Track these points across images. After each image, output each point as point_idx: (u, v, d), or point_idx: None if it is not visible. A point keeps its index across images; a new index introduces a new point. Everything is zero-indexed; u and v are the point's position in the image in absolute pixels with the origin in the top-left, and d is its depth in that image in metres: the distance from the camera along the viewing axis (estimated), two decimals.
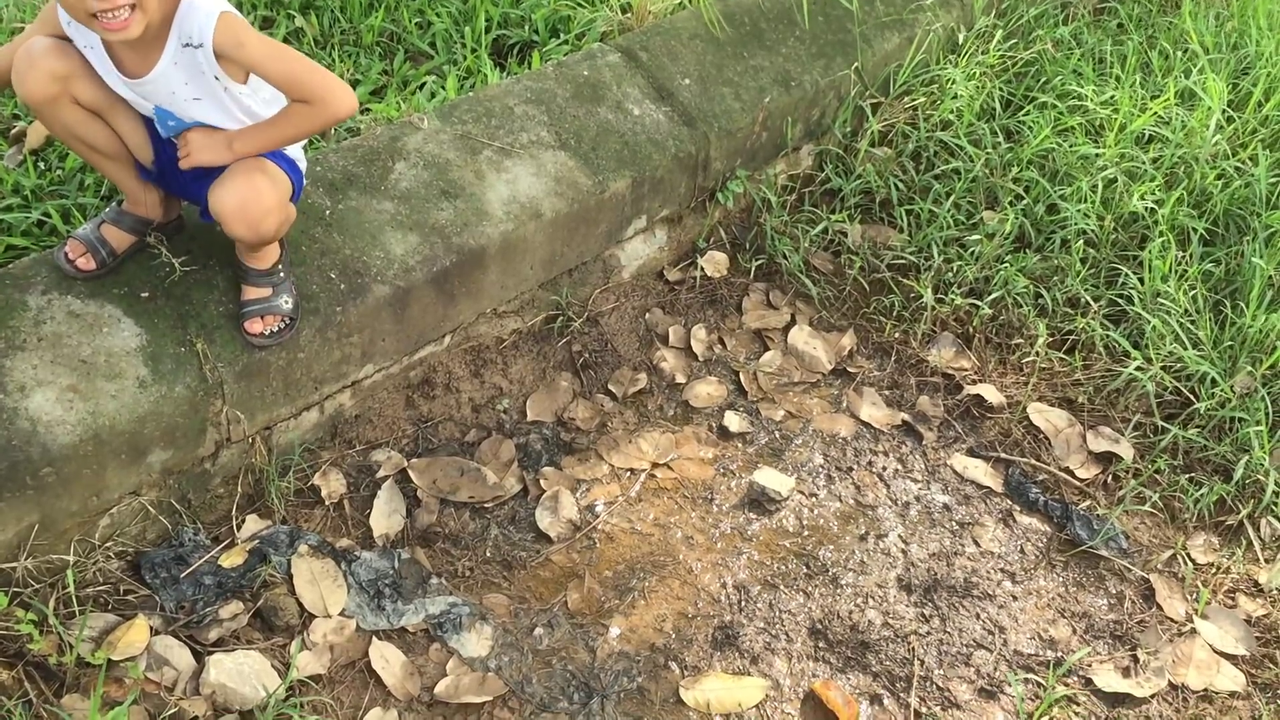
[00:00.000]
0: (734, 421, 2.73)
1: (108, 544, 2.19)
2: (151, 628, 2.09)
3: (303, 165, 2.25)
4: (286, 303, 2.25)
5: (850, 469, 2.65)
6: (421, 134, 2.76)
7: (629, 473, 2.59)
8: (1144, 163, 3.15)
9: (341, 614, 2.21)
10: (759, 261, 3.14)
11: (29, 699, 1.93)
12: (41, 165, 2.68)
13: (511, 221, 2.65)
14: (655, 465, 2.61)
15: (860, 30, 3.37)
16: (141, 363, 2.16)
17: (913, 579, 2.42)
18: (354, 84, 3.11)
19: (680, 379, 2.83)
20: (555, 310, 2.87)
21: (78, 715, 1.91)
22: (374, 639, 2.18)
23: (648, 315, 2.97)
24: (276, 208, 2.07)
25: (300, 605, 2.20)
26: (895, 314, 3.01)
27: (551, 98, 2.96)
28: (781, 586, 2.38)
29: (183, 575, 2.19)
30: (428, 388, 2.64)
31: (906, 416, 2.79)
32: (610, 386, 2.78)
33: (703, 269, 3.09)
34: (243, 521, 2.32)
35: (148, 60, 1.95)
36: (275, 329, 2.23)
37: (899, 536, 2.51)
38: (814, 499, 2.58)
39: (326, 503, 2.40)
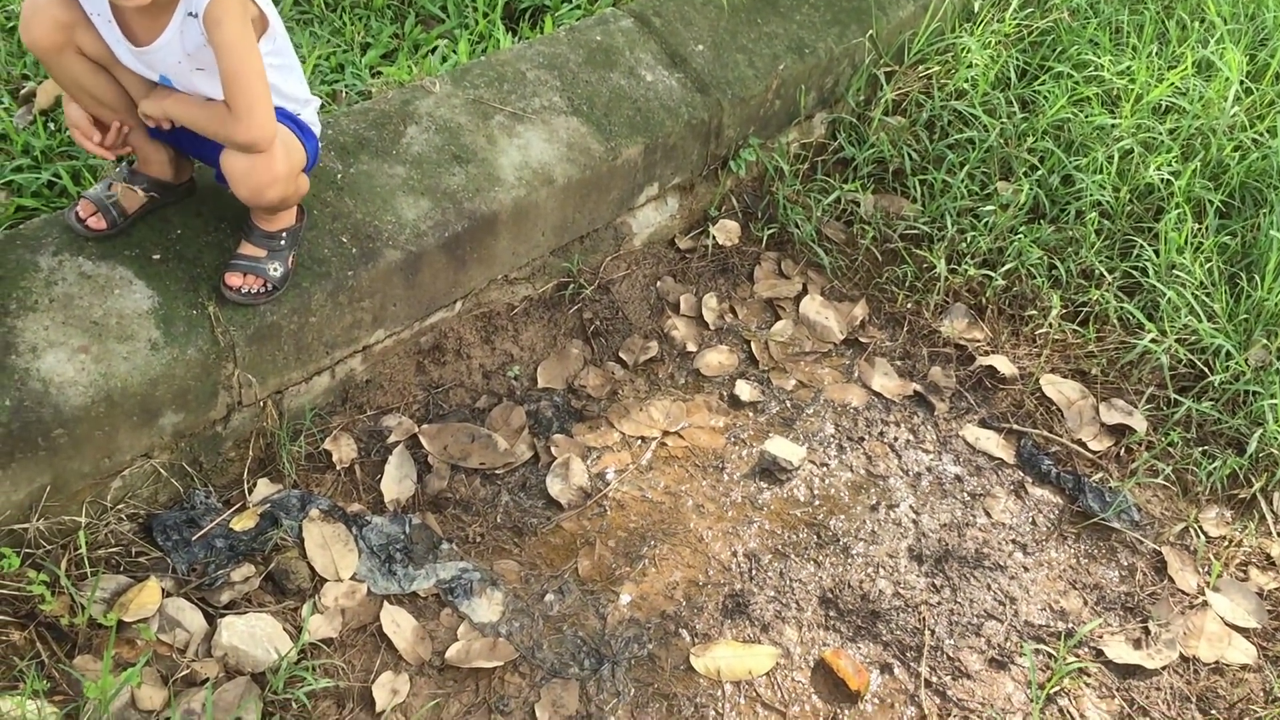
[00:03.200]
0: (745, 390, 2.72)
1: (119, 506, 2.18)
2: (163, 590, 2.09)
3: (317, 131, 2.23)
4: (275, 270, 2.23)
5: (862, 439, 2.65)
6: (433, 98, 2.73)
7: (640, 440, 2.58)
8: (1161, 134, 3.12)
9: (353, 578, 2.21)
10: (771, 230, 3.11)
11: (41, 660, 1.93)
12: (51, 126, 2.66)
13: (523, 187, 2.63)
14: (666, 433, 2.60)
15: None
16: (153, 325, 2.15)
17: (924, 549, 2.42)
18: (365, 47, 3.08)
19: (691, 347, 2.82)
20: (566, 277, 2.86)
21: (90, 676, 1.91)
22: (385, 603, 2.18)
23: (659, 283, 2.96)
24: (285, 177, 2.05)
25: (311, 569, 2.20)
26: (908, 284, 3.00)
27: (564, 63, 2.93)
28: (792, 555, 2.38)
29: (194, 538, 2.19)
30: (439, 354, 2.63)
31: (918, 387, 2.78)
32: (621, 354, 2.77)
33: (714, 237, 3.07)
34: (254, 485, 2.32)
35: (155, 28, 1.93)
36: (253, 289, 2.21)
37: (910, 507, 2.51)
38: (825, 468, 2.57)
39: (337, 467, 2.39)
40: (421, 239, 2.46)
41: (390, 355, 2.58)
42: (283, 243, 2.25)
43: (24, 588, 1.97)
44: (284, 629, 2.08)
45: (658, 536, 2.38)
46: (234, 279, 2.21)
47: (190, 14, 1.89)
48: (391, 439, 2.47)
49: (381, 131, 2.63)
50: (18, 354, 2.03)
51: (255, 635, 2.04)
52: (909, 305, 2.96)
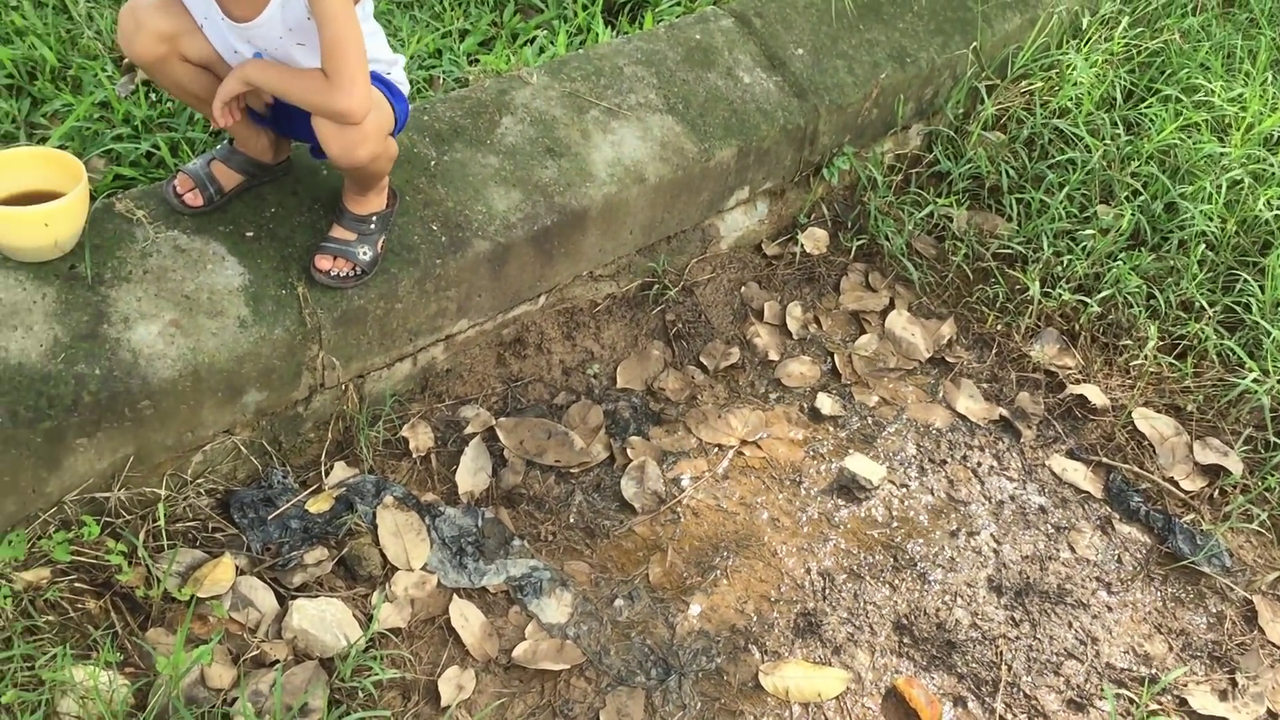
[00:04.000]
0: (826, 404, 2.67)
1: (199, 480, 2.19)
2: (237, 567, 2.09)
3: (406, 91, 2.20)
4: (365, 254, 2.22)
5: (944, 462, 2.58)
6: (529, 89, 2.71)
7: (717, 448, 2.54)
8: (1272, 165, 3.01)
9: (423, 569, 2.19)
10: (860, 241, 3.06)
11: (115, 630, 1.93)
12: (152, 96, 2.68)
13: (615, 184, 2.60)
14: (744, 443, 2.56)
15: (982, 8, 3.26)
16: (243, 302, 2.15)
17: (1004, 580, 2.36)
18: (463, 34, 3.07)
19: (773, 356, 2.77)
20: (651, 277, 2.82)
21: (161, 649, 1.92)
22: (454, 596, 2.16)
23: (743, 289, 2.91)
24: (374, 135, 2.01)
25: (383, 556, 2.19)
26: (998, 305, 2.92)
27: (662, 60, 2.89)
28: (867, 577, 2.32)
29: (270, 517, 2.19)
30: (519, 347, 2.61)
31: (1005, 412, 2.71)
32: (702, 359, 2.73)
33: (802, 245, 3.02)
34: (331, 468, 2.31)
35: (257, 3, 1.92)
36: (341, 273, 2.20)
37: (991, 535, 2.44)
38: (905, 490, 2.51)
39: (414, 455, 2.38)
40: (511, 231, 2.44)
41: (472, 345, 2.57)
42: (372, 227, 2.24)
43: (102, 556, 1.98)
44: (353, 615, 2.07)
45: (731, 548, 2.34)
46: (323, 261, 2.20)
47: None
48: (468, 430, 2.45)
49: (476, 120, 2.61)
50: (110, 323, 2.04)
51: (325, 620, 2.04)
52: (999, 327, 2.89)
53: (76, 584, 1.95)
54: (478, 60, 2.93)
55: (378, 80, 2.08)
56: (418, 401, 2.48)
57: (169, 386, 2.03)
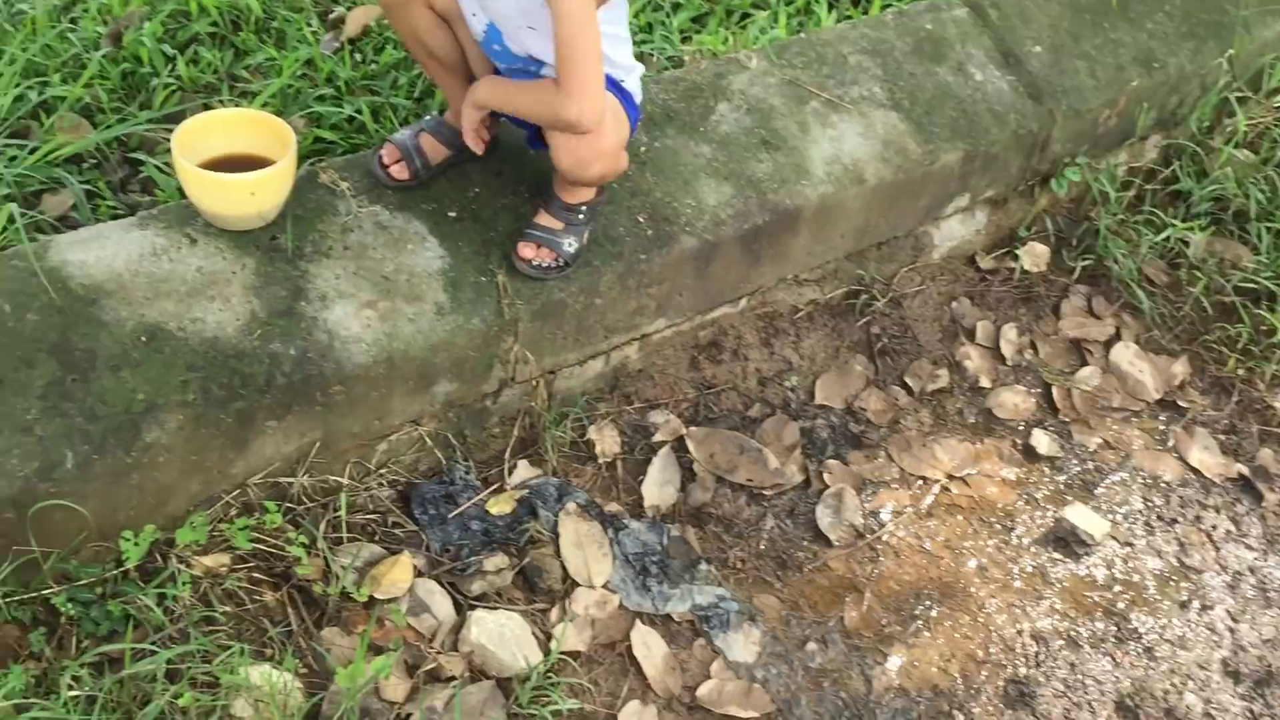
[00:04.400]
0: (1042, 442, 2.44)
1: (381, 470, 2.09)
2: (415, 568, 1.98)
3: (639, 99, 2.05)
4: (570, 245, 2.07)
5: (1173, 521, 2.33)
6: (748, 74, 2.53)
7: (920, 481, 2.34)
8: None
9: (605, 586, 2.06)
10: (1085, 262, 2.79)
11: (289, 628, 1.84)
12: (357, 56, 2.57)
13: (831, 184, 2.40)
14: (950, 477, 2.35)
15: (1243, 13, 2.94)
16: (441, 288, 2.02)
17: (1241, 666, 2.11)
18: (675, 8, 2.88)
19: (984, 382, 2.55)
20: (857, 285, 2.62)
21: (336, 651, 1.82)
22: (637, 621, 2.02)
23: (954, 304, 2.69)
24: (610, 153, 1.87)
25: (564, 569, 2.06)
26: (1240, 347, 2.63)
27: (888, 50, 2.67)
28: (1086, 646, 2.10)
29: (451, 516, 2.08)
30: (715, 350, 2.45)
31: (1244, 469, 2.44)
32: (907, 378, 2.52)
33: (1020, 260, 2.78)
34: (514, 466, 2.19)
35: None
36: (544, 263, 2.06)
37: (1227, 612, 2.19)
38: (1129, 549, 2.27)
39: (599, 460, 2.24)
40: (720, 228, 2.27)
41: (666, 346, 2.41)
42: (581, 217, 2.09)
43: (282, 547, 1.89)
44: (533, 633, 1.94)
45: (934, 596, 2.15)
46: (527, 250, 2.06)
47: None
48: (657, 437, 2.30)
49: (691, 105, 2.44)
50: (307, 300, 1.94)
51: (504, 636, 1.91)
52: (1240, 371, 2.61)
53: (254, 573, 1.87)
54: (690, 38, 2.75)
55: (615, 88, 1.92)
56: (605, 401, 2.34)
57: (362, 373, 1.92)
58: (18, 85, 2.34)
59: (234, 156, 1.98)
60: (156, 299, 1.86)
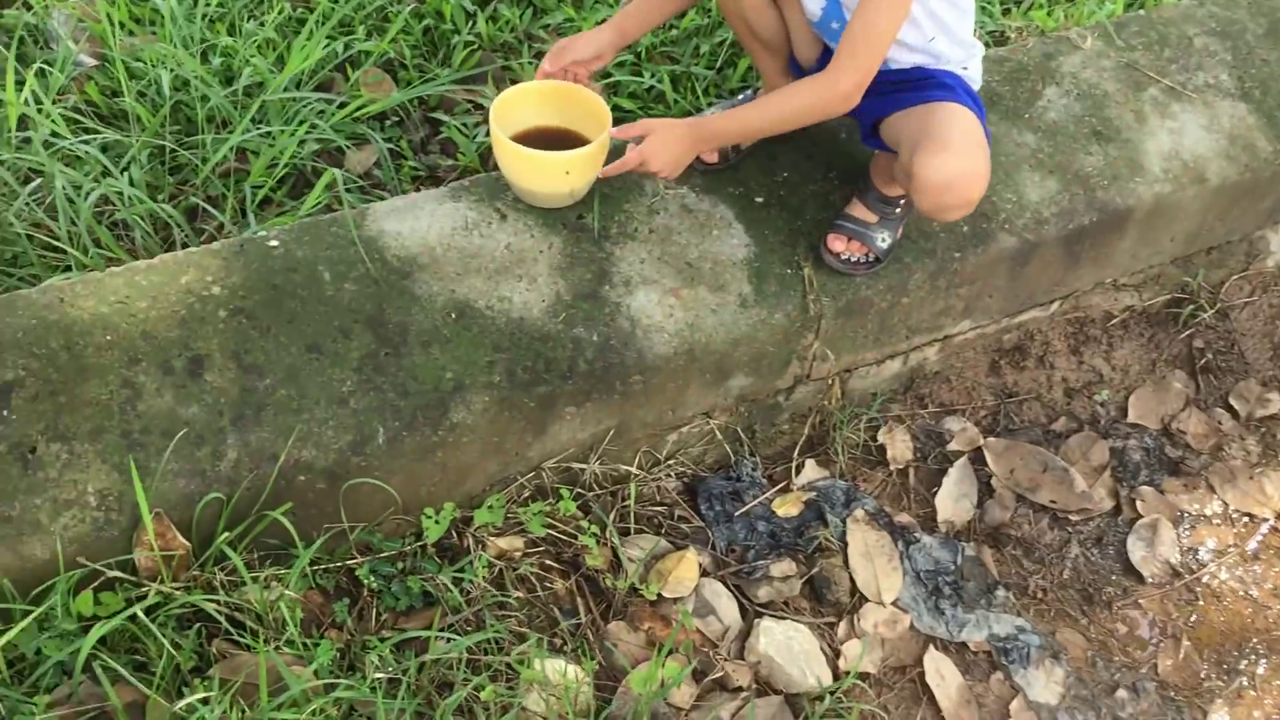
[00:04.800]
0: None
1: (670, 461, 2.03)
2: (701, 566, 1.92)
3: (977, 86, 1.88)
4: (883, 240, 1.94)
5: None
6: (1080, 55, 2.31)
7: (1247, 519, 2.12)
8: None
9: (894, 604, 1.94)
10: None
11: (578, 620, 1.81)
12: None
13: (1169, 182, 2.18)
14: None
15: None
16: (746, 278, 1.93)
17: None
18: None
19: None
20: (1181, 293, 2.39)
21: (623, 648, 1.78)
22: (929, 646, 1.90)
23: None
24: (981, 190, 1.71)
25: (852, 581, 1.96)
26: None
27: (1240, 32, 2.40)
28: None
29: (737, 514, 2.00)
30: (1018, 356, 2.28)
31: None
32: (1232, 400, 2.29)
33: None
34: (801, 465, 2.09)
35: None
36: (854, 258, 1.93)
37: None
38: None
39: (890, 466, 2.12)
40: (1041, 227, 2.09)
41: (967, 349, 2.25)
42: (898, 210, 1.96)
43: (572, 534, 1.85)
44: (820, 648, 1.85)
45: (1260, 649, 1.94)
46: (837, 243, 1.94)
47: None
48: (952, 446, 2.16)
49: (1016, 88, 2.25)
50: (611, 285, 1.88)
51: (792, 649, 1.83)
52: None
53: (545, 559, 1.84)
54: (1011, 9, 2.54)
55: (970, 97, 1.75)
56: (898, 403, 2.21)
57: (662, 364, 1.86)
58: (327, 41, 2.37)
59: (546, 130, 1.93)
60: (466, 275, 1.84)
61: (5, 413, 1.59)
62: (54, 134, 2.10)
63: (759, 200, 2.02)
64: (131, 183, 2.09)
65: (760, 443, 2.11)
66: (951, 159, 1.63)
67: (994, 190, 2.09)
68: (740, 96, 2.06)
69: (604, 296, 1.87)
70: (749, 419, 2.08)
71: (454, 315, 1.80)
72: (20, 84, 2.37)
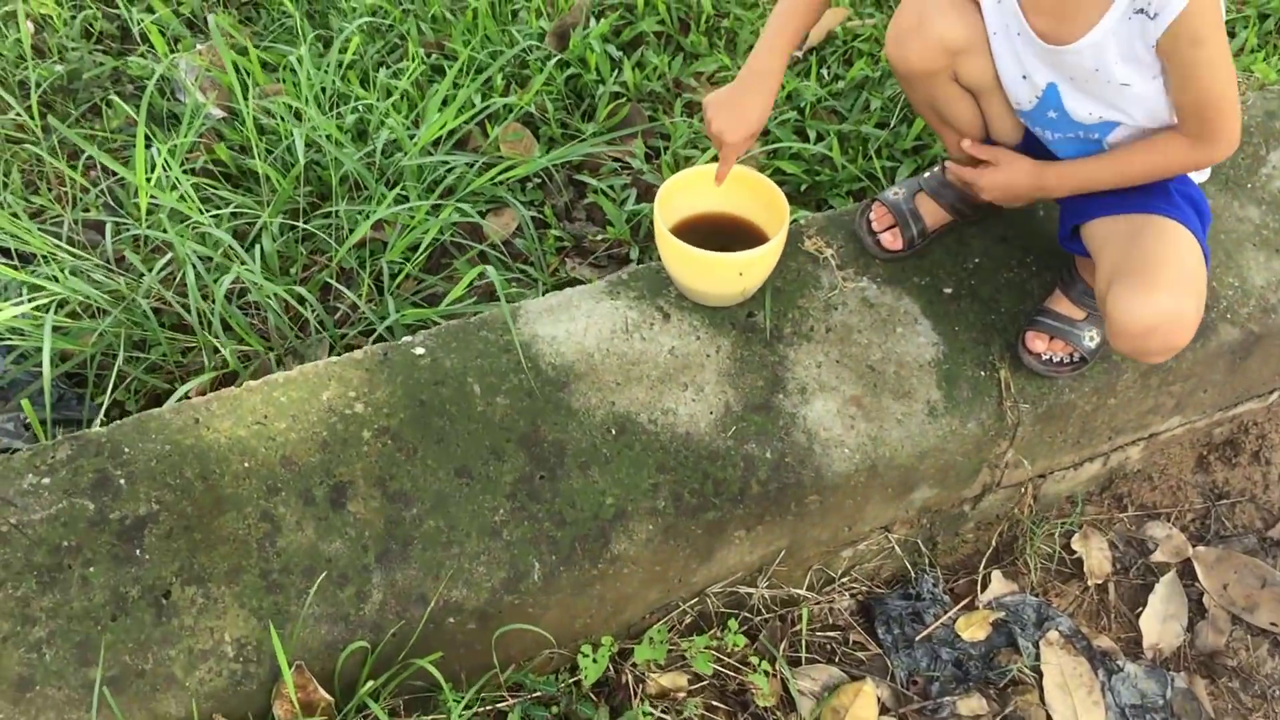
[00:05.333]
0: None
1: (843, 579, 1.84)
2: (880, 701, 1.73)
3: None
4: (1091, 339, 1.71)
5: None
6: None
7: None
8: None
9: None
10: None
11: None
12: (823, 73, 2.27)
13: None
14: None
15: None
16: (934, 383, 1.73)
17: None
18: None
19: None
20: None
21: None
22: None
23: None
24: (1189, 336, 1.46)
25: (1049, 718, 1.75)
26: None
27: None
28: None
29: (917, 638, 1.81)
30: (1230, 451, 2.03)
31: None
32: None
33: None
34: (988, 578, 1.89)
35: (1079, 21, 1.41)
36: (1056, 358, 1.71)
37: None
38: None
39: (1086, 581, 1.90)
40: (1268, 316, 1.85)
41: (1173, 445, 2.02)
42: None
43: (741, 669, 1.68)
44: None
45: None
46: (1037, 341, 1.72)
47: (1142, 12, 1.35)
48: (1156, 556, 1.93)
49: (1235, 153, 1.98)
50: (785, 393, 1.69)
51: None
52: None
53: (709, 699, 1.67)
54: None
55: (1186, 203, 1.52)
56: (1094, 504, 1.98)
57: (841, 481, 1.67)
58: (464, 86, 2.21)
59: (712, 216, 1.75)
60: (627, 384, 1.67)
61: (139, 552, 1.47)
62: (182, 198, 1.98)
63: (947, 291, 1.81)
64: (263, 255, 1.97)
65: (941, 552, 1.91)
66: (1158, 302, 1.40)
67: (1214, 274, 1.85)
68: (928, 174, 1.84)
69: (778, 406, 1.68)
70: (930, 530, 1.88)
71: (614, 431, 1.63)
72: (149, 140, 2.27)
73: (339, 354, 1.94)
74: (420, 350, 1.67)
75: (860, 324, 1.76)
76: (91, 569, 1.46)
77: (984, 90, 1.57)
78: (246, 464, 1.55)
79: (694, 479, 1.62)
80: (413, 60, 2.29)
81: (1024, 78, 1.51)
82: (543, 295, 1.77)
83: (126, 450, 1.54)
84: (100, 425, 1.60)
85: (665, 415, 1.65)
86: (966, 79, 1.55)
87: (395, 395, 1.63)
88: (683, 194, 1.72)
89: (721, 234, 1.73)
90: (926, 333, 1.77)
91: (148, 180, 1.92)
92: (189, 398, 1.77)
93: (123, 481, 1.52)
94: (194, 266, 1.86)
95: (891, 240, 1.79)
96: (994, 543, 1.91)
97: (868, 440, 1.68)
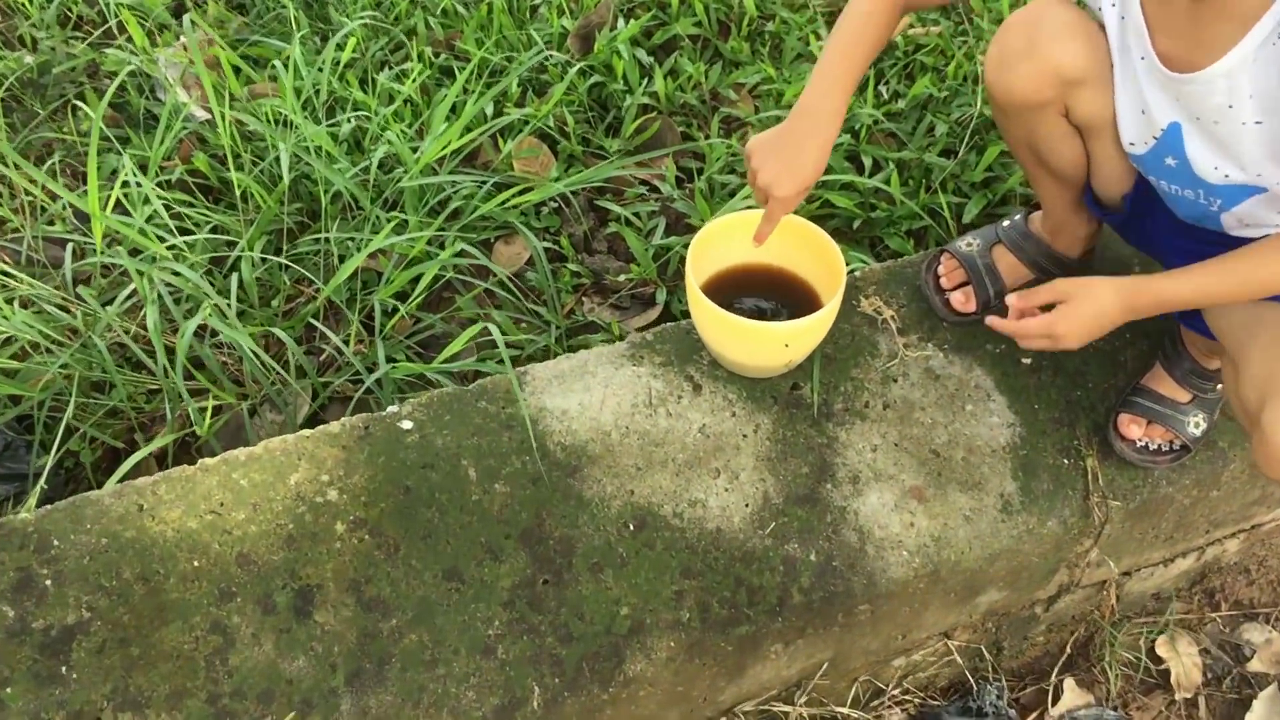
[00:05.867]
0: None
1: (894, 690, 1.59)
2: None
3: None
4: (1196, 426, 1.45)
5: None
6: None
7: None
8: None
9: None
10: None
11: None
12: (881, 90, 2.00)
13: None
14: None
15: None
16: (1009, 472, 1.47)
17: None
18: None
19: None
20: None
21: None
22: None
23: None
24: None
25: None
26: None
27: None
28: None
29: None
30: None
31: None
32: None
33: None
34: (1059, 687, 1.64)
35: (1213, 47, 1.13)
36: (1154, 445, 1.45)
37: None
38: None
39: (1174, 693, 1.65)
40: None
41: (1276, 534, 1.75)
42: (1218, 388, 1.46)
43: None
44: None
45: None
46: (1131, 427, 1.46)
47: None
48: (1253, 665, 1.68)
49: None
50: (834, 482, 1.44)
51: None
52: None
53: None
54: None
55: None
56: (1182, 600, 1.73)
57: (897, 589, 1.42)
58: (475, 92, 1.95)
59: (753, 268, 1.49)
60: (649, 469, 1.42)
61: (65, 670, 1.24)
62: (152, 217, 1.74)
63: (1026, 362, 1.54)
64: (241, 284, 1.73)
65: (1006, 656, 1.66)
66: None
67: None
68: (1007, 222, 1.57)
69: (825, 499, 1.43)
70: (995, 634, 1.63)
71: (632, 526, 1.39)
72: (124, 142, 2.03)
73: (323, 404, 1.71)
74: (408, 424, 1.43)
75: (924, 400, 1.50)
76: (8, 689, 1.23)
77: (1095, 129, 1.29)
78: (196, 563, 1.31)
79: (725, 586, 1.37)
80: (418, 61, 2.03)
81: (1142, 113, 1.24)
82: (554, 359, 1.51)
83: (56, 544, 1.30)
84: (35, 501, 1.36)
85: (693, 508, 1.41)
86: (1079, 115, 1.28)
87: (376, 480, 1.38)
88: (719, 242, 1.47)
89: (764, 289, 1.48)
90: (1001, 411, 1.51)
91: (112, 194, 1.68)
92: (147, 461, 1.54)
93: (49, 583, 1.28)
94: (161, 300, 1.62)
95: (963, 301, 1.52)
96: (1068, 647, 1.65)
97: (930, 541, 1.42)
